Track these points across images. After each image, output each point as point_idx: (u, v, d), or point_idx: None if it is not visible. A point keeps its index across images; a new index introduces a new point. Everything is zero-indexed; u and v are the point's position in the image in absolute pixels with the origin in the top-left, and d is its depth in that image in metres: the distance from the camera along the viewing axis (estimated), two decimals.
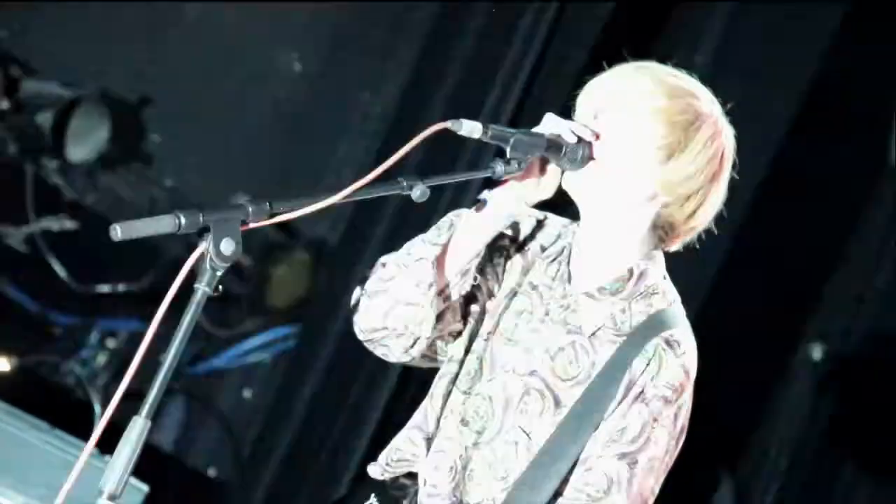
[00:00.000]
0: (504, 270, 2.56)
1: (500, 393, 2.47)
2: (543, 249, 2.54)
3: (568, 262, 2.50)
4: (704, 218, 2.49)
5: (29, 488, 4.42)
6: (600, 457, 2.39)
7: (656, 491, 2.44)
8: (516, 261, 2.55)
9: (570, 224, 2.56)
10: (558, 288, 2.50)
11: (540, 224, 2.58)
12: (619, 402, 2.40)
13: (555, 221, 2.58)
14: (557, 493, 2.42)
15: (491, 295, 2.54)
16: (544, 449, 2.42)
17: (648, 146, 2.42)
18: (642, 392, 2.40)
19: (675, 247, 2.53)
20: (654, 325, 2.44)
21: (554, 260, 2.52)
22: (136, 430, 2.04)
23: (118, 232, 2.02)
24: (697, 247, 2.55)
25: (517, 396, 2.46)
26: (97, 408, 5.33)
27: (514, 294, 2.53)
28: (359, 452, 4.90)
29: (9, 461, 4.40)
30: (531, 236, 2.57)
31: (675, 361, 2.42)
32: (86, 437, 4.66)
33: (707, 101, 2.47)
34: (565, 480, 2.41)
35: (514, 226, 2.56)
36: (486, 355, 2.51)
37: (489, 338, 2.51)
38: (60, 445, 4.54)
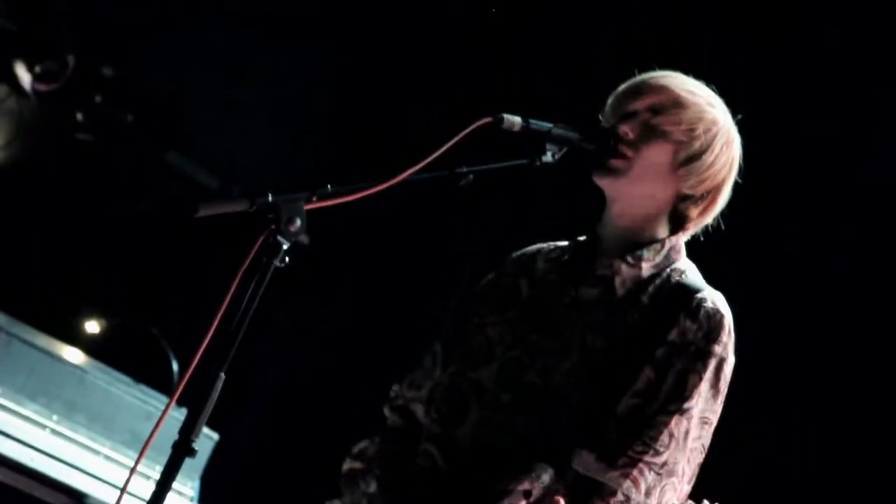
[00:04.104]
0: None
1: None
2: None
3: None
4: (712, 215, 2.69)
5: (115, 434, 4.74)
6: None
7: (706, 444, 2.52)
8: None
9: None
10: None
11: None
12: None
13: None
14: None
15: None
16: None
17: (676, 147, 2.62)
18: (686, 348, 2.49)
19: (683, 239, 2.69)
20: (687, 288, 2.57)
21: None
22: (215, 386, 2.20)
23: (198, 210, 2.17)
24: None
25: None
26: (175, 365, 5.57)
27: None
28: None
29: (98, 411, 4.72)
30: None
31: (716, 317, 2.53)
32: (164, 390, 4.91)
33: (722, 111, 2.69)
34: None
35: None
36: None
37: None
38: (142, 397, 4.85)
